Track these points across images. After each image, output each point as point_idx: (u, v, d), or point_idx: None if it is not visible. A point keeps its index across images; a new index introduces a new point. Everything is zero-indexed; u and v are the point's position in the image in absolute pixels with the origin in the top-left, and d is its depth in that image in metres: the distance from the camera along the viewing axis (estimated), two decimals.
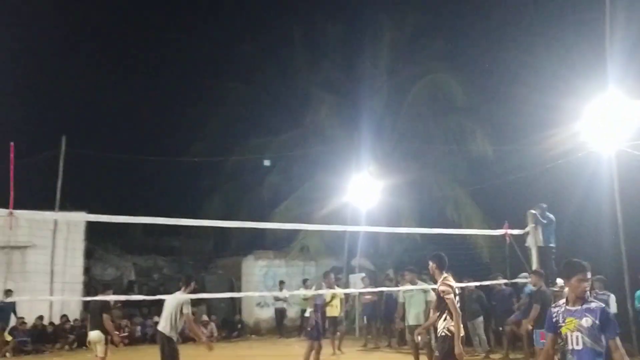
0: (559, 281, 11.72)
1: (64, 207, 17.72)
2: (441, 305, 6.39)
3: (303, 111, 20.54)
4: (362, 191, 17.60)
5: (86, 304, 17.20)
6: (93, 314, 9.46)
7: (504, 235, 11.46)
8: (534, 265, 11.41)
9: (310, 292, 10.84)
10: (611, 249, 12.60)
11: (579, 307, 4.13)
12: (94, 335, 9.26)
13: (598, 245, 13.24)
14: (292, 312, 19.38)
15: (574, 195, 14.16)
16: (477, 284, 12.02)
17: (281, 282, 19.22)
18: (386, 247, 18.60)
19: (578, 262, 4.34)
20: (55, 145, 18.67)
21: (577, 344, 4.05)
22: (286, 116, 21.39)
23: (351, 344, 14.87)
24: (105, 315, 9.23)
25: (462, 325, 6.35)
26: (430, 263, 6.70)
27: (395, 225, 15.43)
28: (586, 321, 4.04)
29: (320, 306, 9.72)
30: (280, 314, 19.17)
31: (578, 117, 12.57)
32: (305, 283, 17.12)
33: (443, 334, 6.29)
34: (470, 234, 14.76)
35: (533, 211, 11.29)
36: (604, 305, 4.13)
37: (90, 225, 18.22)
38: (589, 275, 4.21)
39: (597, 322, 4.01)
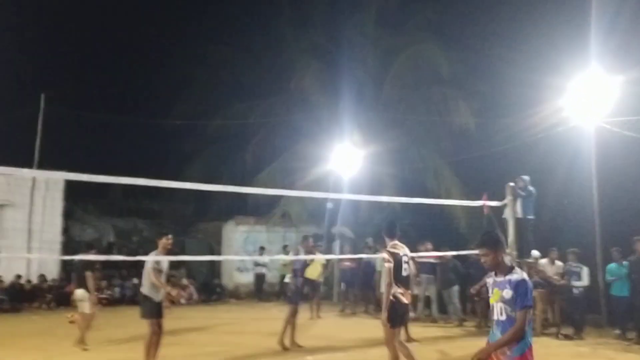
0: (534, 253, 12.00)
1: (42, 166, 17.52)
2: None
3: (287, 77, 20.35)
4: (344, 159, 17.68)
5: (65, 264, 17.19)
6: (77, 272, 9.65)
7: (482, 207, 11.60)
8: (510, 237, 11.62)
9: (289, 258, 10.93)
10: (588, 222, 12.86)
11: (502, 279, 4.10)
12: (79, 293, 9.48)
13: (577, 219, 13.51)
14: (271, 278, 19.55)
15: (556, 169, 14.35)
16: (454, 253, 12.20)
17: (261, 248, 19.34)
18: (367, 215, 18.73)
19: (480, 238, 4.33)
20: (34, 103, 18.40)
21: (501, 315, 4.05)
22: (270, 81, 21.19)
23: (329, 309, 15.08)
24: (88, 273, 9.36)
25: (406, 293, 6.40)
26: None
27: (376, 193, 15.53)
28: (507, 293, 4.01)
29: (300, 271, 9.81)
30: (259, 279, 19.33)
31: (561, 93, 12.70)
32: (285, 249, 17.20)
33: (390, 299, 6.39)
34: (449, 205, 14.90)
35: (512, 184, 11.45)
36: (523, 277, 4.01)
37: (69, 185, 18.05)
38: (481, 251, 4.20)
39: (514, 293, 3.97)
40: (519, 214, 11.85)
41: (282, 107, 20.57)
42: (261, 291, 19.14)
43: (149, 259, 7.74)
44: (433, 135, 18.47)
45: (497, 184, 12.24)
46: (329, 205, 18.23)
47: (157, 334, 7.51)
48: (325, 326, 12.75)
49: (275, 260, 18.11)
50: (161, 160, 23.37)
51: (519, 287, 3.96)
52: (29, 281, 16.65)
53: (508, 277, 4.05)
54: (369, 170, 17.87)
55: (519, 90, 14.73)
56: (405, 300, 6.36)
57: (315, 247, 11.10)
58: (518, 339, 3.95)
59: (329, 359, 8.50)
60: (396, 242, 6.61)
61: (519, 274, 4.04)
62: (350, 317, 14.38)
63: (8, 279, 16.04)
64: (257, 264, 19.21)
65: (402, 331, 6.70)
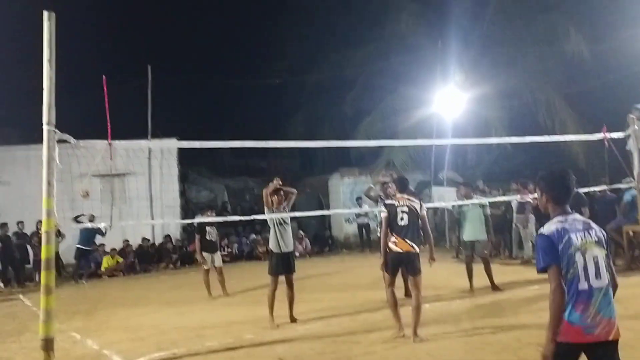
0: None
1: (155, 135, 18.41)
2: None
3: (383, 21, 19.78)
4: (448, 101, 17.04)
5: (185, 226, 18.18)
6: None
7: (602, 140, 10.85)
8: (636, 170, 10.81)
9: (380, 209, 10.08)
10: None
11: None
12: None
13: None
14: (375, 227, 19.51)
15: None
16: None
17: (358, 199, 19.21)
18: (475, 158, 18.12)
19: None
20: (142, 75, 19.25)
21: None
22: (366, 28, 20.67)
23: (442, 256, 14.85)
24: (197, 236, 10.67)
25: (400, 242, 6.48)
26: (392, 185, 7.52)
27: (483, 135, 14.95)
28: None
29: None
30: (363, 229, 19.32)
31: None
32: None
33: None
34: (565, 141, 14.06)
35: (636, 113, 10.64)
36: (541, 230, 3.16)
37: (182, 151, 18.88)
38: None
39: None
40: None
41: (380, 53, 20.05)
42: (367, 241, 19.14)
43: (266, 216, 7.98)
44: (544, 68, 17.30)
45: (615, 113, 11.38)
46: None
47: (273, 288, 7.74)
48: (439, 274, 12.59)
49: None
50: (264, 118, 23.86)
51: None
52: (152, 244, 17.78)
53: None
54: (474, 110, 17.16)
55: (633, 8, 13.46)
56: (397, 249, 6.51)
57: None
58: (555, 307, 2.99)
59: (443, 307, 8.39)
60: (404, 195, 6.80)
61: (544, 227, 3.09)
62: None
63: (136, 242, 17.21)
64: (359, 215, 19.19)
65: (410, 285, 6.75)
